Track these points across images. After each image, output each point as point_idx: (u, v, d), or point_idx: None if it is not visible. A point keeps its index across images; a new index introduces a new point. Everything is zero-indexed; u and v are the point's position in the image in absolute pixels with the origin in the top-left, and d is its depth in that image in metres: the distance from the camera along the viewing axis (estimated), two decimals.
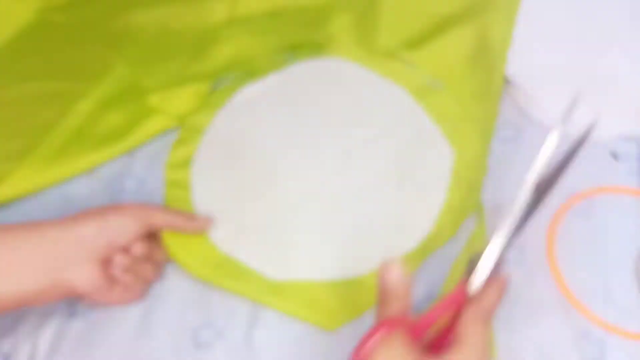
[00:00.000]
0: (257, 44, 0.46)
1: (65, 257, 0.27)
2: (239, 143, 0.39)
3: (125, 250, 0.31)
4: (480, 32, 0.44)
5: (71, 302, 0.34)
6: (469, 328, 0.23)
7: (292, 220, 0.36)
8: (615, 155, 0.38)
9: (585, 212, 0.36)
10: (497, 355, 0.31)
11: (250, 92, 0.42)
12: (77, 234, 0.28)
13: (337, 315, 0.32)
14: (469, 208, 0.36)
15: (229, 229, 0.35)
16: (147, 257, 0.32)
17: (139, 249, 0.31)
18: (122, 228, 0.29)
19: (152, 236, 0.33)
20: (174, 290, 0.34)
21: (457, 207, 0.36)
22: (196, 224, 0.34)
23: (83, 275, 0.28)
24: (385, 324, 0.22)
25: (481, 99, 0.41)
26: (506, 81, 0.42)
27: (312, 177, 0.37)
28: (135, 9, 0.50)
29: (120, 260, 0.30)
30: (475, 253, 0.26)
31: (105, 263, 0.30)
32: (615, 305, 0.32)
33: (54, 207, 0.38)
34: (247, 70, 0.44)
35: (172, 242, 0.34)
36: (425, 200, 0.36)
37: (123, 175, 0.40)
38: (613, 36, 0.43)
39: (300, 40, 0.45)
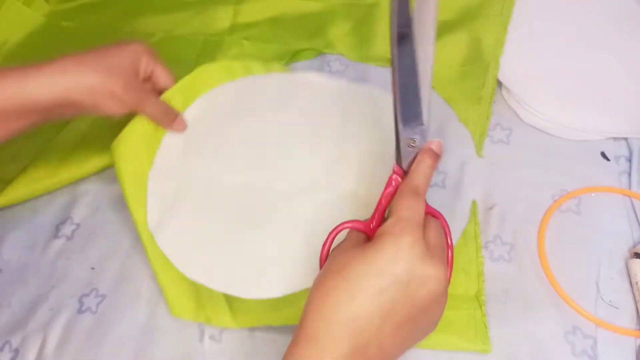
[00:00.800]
0: (259, 50, 0.47)
1: (87, 77, 0.31)
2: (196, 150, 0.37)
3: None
4: (473, 38, 0.45)
5: (81, 298, 0.36)
6: (398, 202, 0.24)
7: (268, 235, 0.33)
8: (605, 156, 0.39)
9: (576, 211, 0.37)
10: (491, 349, 0.32)
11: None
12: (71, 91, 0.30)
13: None
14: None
15: (201, 262, 0.33)
16: None
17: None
18: (109, 109, 0.32)
19: None
20: None
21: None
22: (174, 127, 0.36)
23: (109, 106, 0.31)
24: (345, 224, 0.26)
25: (474, 102, 0.42)
26: (498, 85, 0.43)
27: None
28: (141, 15, 0.51)
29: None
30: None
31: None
32: (606, 301, 0.33)
33: (62, 205, 0.40)
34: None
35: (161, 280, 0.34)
36: None
37: None
38: (602, 40, 0.44)
39: (301, 46, 0.47)
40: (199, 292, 0.34)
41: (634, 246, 0.35)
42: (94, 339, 0.34)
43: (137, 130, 0.36)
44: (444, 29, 0.46)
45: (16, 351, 0.34)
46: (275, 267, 0.32)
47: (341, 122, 0.37)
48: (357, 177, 0.34)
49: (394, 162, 0.26)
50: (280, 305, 0.32)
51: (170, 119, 0.37)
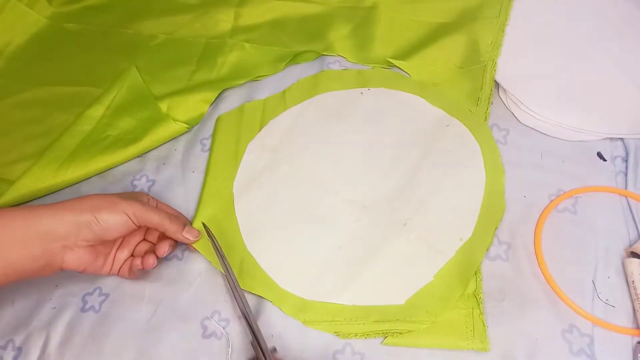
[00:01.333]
0: (259, 53, 0.48)
1: (59, 241, 0.30)
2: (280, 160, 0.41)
3: (126, 242, 0.34)
4: (471, 39, 0.46)
5: (84, 297, 0.36)
6: None
7: (329, 245, 0.36)
8: (601, 156, 0.40)
9: (573, 211, 0.37)
10: (489, 348, 0.32)
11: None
12: (71, 222, 0.30)
13: (351, 330, 0.33)
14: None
15: (266, 244, 0.37)
16: (148, 251, 0.35)
17: (140, 247, 0.35)
18: (113, 226, 0.32)
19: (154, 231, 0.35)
20: (183, 285, 0.36)
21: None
22: (184, 238, 0.35)
23: (73, 258, 0.31)
24: None
25: (472, 103, 0.42)
26: (495, 86, 0.43)
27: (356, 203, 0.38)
28: (143, 18, 0.52)
29: (119, 255, 0.34)
30: None
31: (96, 247, 0.32)
32: (602, 299, 0.33)
33: None
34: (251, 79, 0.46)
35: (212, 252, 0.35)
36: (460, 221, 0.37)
37: (134, 176, 0.42)
38: (598, 42, 0.45)
39: (301, 49, 0.47)
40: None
41: (630, 245, 0.35)
42: (97, 337, 0.34)
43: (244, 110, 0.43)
44: (442, 31, 0.47)
45: (19, 349, 0.34)
46: (309, 270, 0.35)
47: (422, 153, 0.40)
48: (414, 213, 0.37)
49: None
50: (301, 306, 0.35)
51: (175, 226, 0.35)
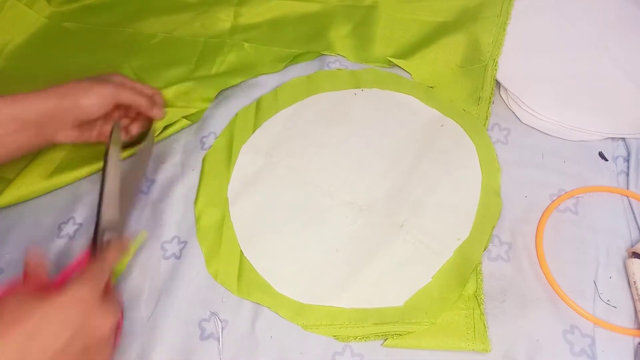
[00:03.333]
0: (259, 52, 0.47)
1: (49, 126, 0.35)
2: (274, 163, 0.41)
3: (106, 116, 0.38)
4: (472, 39, 0.45)
5: None
6: (85, 271, 0.28)
7: (324, 249, 0.36)
8: (603, 156, 0.39)
9: (574, 211, 0.37)
10: (490, 348, 0.32)
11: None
12: (56, 108, 0.35)
13: (350, 333, 0.33)
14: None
15: (262, 249, 0.37)
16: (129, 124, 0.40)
17: (124, 120, 0.40)
18: (91, 108, 0.36)
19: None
20: (182, 287, 0.35)
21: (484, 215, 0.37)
22: (155, 112, 0.39)
23: (63, 136, 0.37)
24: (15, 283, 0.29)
25: (473, 102, 0.42)
26: (497, 85, 0.43)
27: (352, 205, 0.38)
28: (142, 17, 0.52)
29: (104, 127, 0.39)
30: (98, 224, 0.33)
31: (82, 125, 0.37)
32: (604, 300, 0.33)
33: (64, 204, 0.40)
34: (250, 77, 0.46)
35: (210, 258, 0.36)
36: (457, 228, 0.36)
37: None
38: (600, 41, 0.45)
39: (301, 49, 0.47)
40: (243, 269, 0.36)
41: (632, 246, 0.35)
42: None
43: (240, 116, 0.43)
44: (442, 30, 0.46)
45: None
46: (306, 273, 0.35)
47: (418, 153, 0.40)
48: (411, 214, 0.37)
49: (87, 247, 0.33)
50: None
51: (146, 102, 0.39)
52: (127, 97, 0.37)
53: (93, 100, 0.35)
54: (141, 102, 0.38)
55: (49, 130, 0.35)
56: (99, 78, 0.37)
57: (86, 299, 0.26)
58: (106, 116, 0.38)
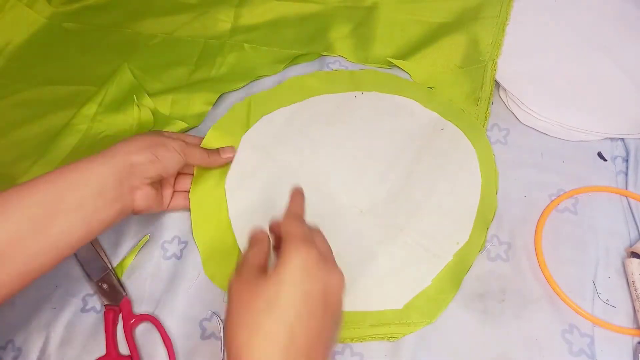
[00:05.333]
0: (259, 53, 0.47)
1: (127, 182, 0.31)
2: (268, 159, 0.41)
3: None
4: (471, 39, 0.45)
5: (84, 297, 0.36)
6: (286, 227, 0.27)
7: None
8: (602, 156, 0.40)
9: (573, 211, 0.37)
10: (489, 347, 0.32)
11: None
12: (133, 162, 0.32)
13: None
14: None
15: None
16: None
17: (183, 181, 0.39)
18: (170, 160, 0.34)
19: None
20: (182, 287, 0.36)
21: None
22: (221, 159, 0.39)
23: (142, 197, 0.33)
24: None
25: (472, 103, 0.42)
26: (496, 86, 0.43)
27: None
28: (143, 17, 0.52)
29: (167, 192, 0.37)
30: None
31: (157, 184, 0.35)
32: (603, 299, 0.33)
33: None
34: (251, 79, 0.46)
35: (208, 260, 0.36)
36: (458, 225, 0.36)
37: None
38: (599, 42, 0.44)
39: (301, 50, 0.47)
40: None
41: (631, 245, 0.35)
42: (97, 337, 0.34)
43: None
44: (442, 30, 0.46)
45: (19, 350, 0.34)
46: None
47: (418, 156, 0.40)
48: (411, 217, 0.37)
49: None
50: None
51: (214, 158, 0.38)
52: (197, 155, 0.36)
53: (171, 153, 0.33)
54: (211, 157, 0.37)
55: (127, 189, 0.31)
56: (155, 134, 0.35)
57: (306, 263, 0.24)
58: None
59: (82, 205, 0.29)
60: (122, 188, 0.31)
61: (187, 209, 0.38)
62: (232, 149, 0.39)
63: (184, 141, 0.35)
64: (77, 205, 0.29)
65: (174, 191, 0.38)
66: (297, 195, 0.30)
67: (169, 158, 0.33)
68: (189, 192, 0.38)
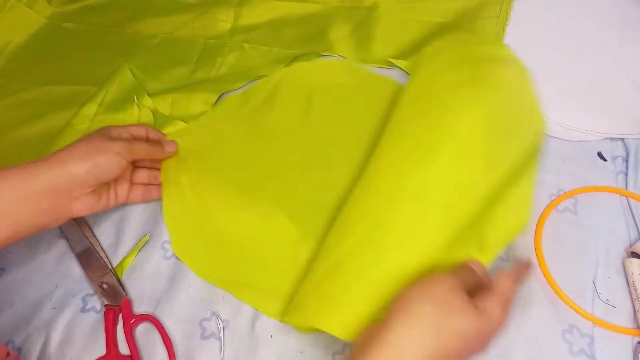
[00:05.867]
0: (259, 53, 0.47)
1: (64, 195, 0.31)
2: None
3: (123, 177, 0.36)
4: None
5: (84, 297, 0.36)
6: (502, 281, 0.27)
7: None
8: (601, 156, 0.40)
9: (573, 211, 0.37)
10: (488, 348, 0.32)
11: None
12: (72, 174, 0.31)
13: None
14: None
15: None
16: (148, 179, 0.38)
17: (140, 174, 0.38)
18: (109, 166, 0.33)
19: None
20: (182, 287, 0.36)
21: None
22: (168, 152, 0.38)
23: (80, 206, 0.33)
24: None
25: None
26: None
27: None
28: (142, 17, 0.52)
29: (120, 188, 0.36)
30: None
31: (99, 189, 0.34)
32: (603, 300, 0.33)
33: None
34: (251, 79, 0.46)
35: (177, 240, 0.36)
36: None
37: None
38: (598, 42, 0.44)
39: (301, 50, 0.47)
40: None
41: (631, 245, 0.35)
42: (97, 337, 0.34)
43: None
44: (442, 30, 0.46)
45: (19, 350, 0.34)
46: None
47: None
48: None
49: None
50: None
51: (159, 149, 0.38)
52: (141, 151, 0.35)
53: (111, 157, 0.33)
54: (155, 151, 0.37)
55: (64, 200, 0.31)
56: (98, 136, 0.34)
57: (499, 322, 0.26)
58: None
59: (12, 210, 0.29)
60: (58, 198, 0.31)
61: (146, 201, 0.38)
62: (175, 143, 0.39)
63: (129, 137, 0.35)
64: (6, 209, 0.29)
65: (132, 184, 0.37)
66: (526, 267, 0.30)
67: (108, 164, 0.33)
68: (146, 184, 0.38)
